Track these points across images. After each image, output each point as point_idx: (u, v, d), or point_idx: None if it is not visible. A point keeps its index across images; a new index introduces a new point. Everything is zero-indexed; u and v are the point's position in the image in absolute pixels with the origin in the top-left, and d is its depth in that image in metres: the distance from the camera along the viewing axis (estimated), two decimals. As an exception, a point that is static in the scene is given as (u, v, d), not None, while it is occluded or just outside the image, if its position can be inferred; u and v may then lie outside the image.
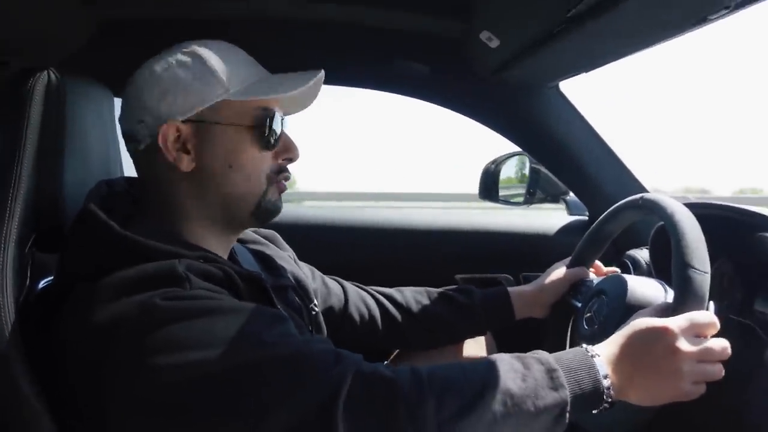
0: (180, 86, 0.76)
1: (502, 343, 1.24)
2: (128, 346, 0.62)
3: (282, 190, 0.85)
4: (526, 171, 1.53)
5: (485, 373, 0.69)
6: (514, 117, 1.36)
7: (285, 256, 1.03)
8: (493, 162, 1.59)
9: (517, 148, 1.47)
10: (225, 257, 0.84)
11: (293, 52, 1.20)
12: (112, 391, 0.62)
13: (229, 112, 0.78)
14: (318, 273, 1.13)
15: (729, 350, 0.73)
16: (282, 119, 0.83)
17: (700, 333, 0.73)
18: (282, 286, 0.91)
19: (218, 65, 0.77)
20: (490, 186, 1.59)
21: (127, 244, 0.69)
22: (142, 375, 0.61)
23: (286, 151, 0.84)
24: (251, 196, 0.81)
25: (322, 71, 0.82)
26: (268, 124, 0.80)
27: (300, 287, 0.98)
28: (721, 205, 1.02)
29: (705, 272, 0.75)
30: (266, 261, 0.96)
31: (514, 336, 1.15)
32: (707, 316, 0.74)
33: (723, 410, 0.83)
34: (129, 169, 0.94)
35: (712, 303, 0.76)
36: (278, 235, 1.09)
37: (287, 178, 0.86)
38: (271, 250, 1.01)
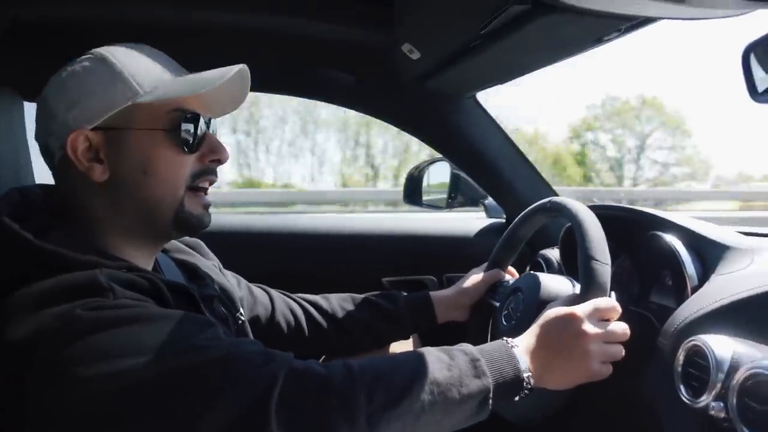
0: (85, 93, 0.73)
1: (427, 344, 1.28)
2: (49, 360, 0.59)
3: (205, 204, 0.82)
4: (447, 176, 1.59)
5: (414, 364, 0.72)
6: (435, 125, 1.42)
7: (210, 265, 1.01)
8: (416, 168, 1.65)
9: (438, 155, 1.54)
10: (149, 269, 0.81)
11: (215, 60, 1.19)
12: (36, 406, 0.59)
13: (140, 116, 0.75)
14: (244, 281, 1.12)
15: (629, 332, 0.81)
16: (204, 120, 0.79)
17: (604, 317, 0.81)
18: (208, 296, 0.89)
19: (126, 68, 0.74)
20: (414, 191, 1.64)
21: (43, 256, 0.66)
22: (66, 388, 0.59)
23: (212, 152, 0.80)
24: (168, 204, 0.77)
25: (244, 65, 0.79)
26: (184, 125, 0.76)
27: (225, 296, 0.97)
28: (619, 206, 1.12)
29: (606, 263, 0.83)
30: (191, 270, 0.94)
31: (439, 339, 1.19)
32: (609, 301, 0.82)
33: (622, 393, 0.91)
34: (43, 176, 0.90)
35: (613, 293, 0.84)
36: (203, 244, 1.06)
37: (212, 182, 0.82)
38: (195, 259, 0.99)
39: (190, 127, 0.77)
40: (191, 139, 0.77)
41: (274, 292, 1.15)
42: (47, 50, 0.98)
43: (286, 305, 1.14)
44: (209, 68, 0.82)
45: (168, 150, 0.76)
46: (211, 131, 0.82)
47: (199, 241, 1.06)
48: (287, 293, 1.17)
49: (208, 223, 0.83)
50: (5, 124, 0.89)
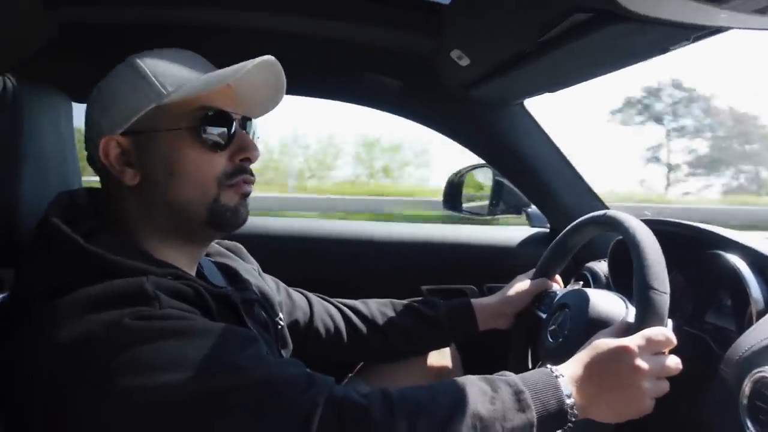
0: (116, 99, 0.75)
1: (467, 353, 1.26)
2: (94, 367, 0.60)
3: (244, 193, 0.80)
4: (490, 183, 1.56)
5: (455, 395, 0.69)
6: (480, 132, 1.39)
7: (250, 269, 1.02)
8: (456, 173, 1.62)
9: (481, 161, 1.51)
10: (192, 273, 0.81)
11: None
12: (76, 412, 0.60)
13: (165, 118, 0.75)
14: (283, 285, 1.12)
15: (681, 367, 0.77)
16: (236, 118, 0.78)
17: (659, 350, 0.77)
18: (248, 300, 0.90)
19: (152, 71, 0.74)
20: (453, 197, 1.61)
21: (93, 260, 0.67)
22: (108, 397, 0.59)
23: (242, 150, 0.78)
24: (199, 203, 0.76)
25: (269, 57, 0.76)
26: (208, 123, 0.75)
27: (265, 301, 0.96)
28: (675, 222, 1.07)
29: (665, 293, 0.79)
30: (231, 274, 0.95)
31: (479, 346, 1.17)
32: (665, 334, 0.77)
33: (678, 422, 0.87)
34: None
35: (670, 321, 0.80)
36: (242, 248, 1.07)
37: (248, 181, 0.80)
38: (235, 262, 0.99)
39: (215, 124, 0.76)
40: (217, 138, 0.76)
41: (313, 297, 1.15)
42: (94, 52, 0.99)
43: (324, 310, 1.13)
44: None
45: (193, 150, 0.75)
46: (248, 131, 0.81)
47: (238, 245, 1.07)
48: (326, 297, 1.17)
49: (245, 216, 0.81)
50: (54, 126, 0.90)
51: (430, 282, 1.49)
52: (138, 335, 0.61)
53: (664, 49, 0.83)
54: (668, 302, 0.79)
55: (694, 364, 0.79)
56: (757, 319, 0.82)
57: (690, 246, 0.99)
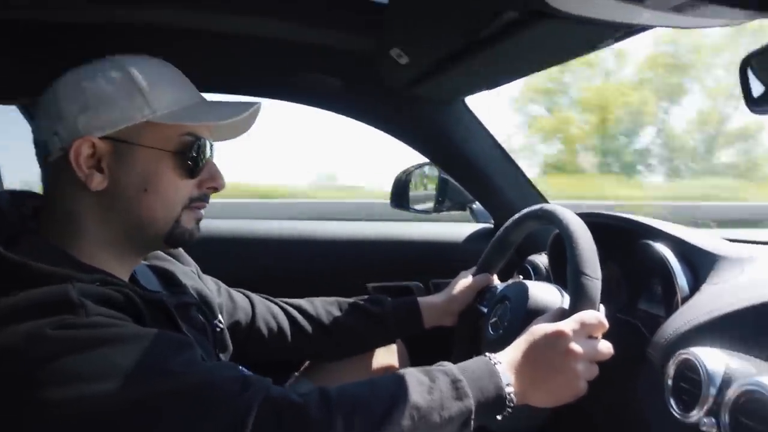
0: (103, 101, 0.72)
1: (414, 350, 1.27)
2: (17, 381, 0.57)
3: (198, 218, 0.82)
4: (435, 181, 1.58)
5: (393, 388, 0.70)
6: (423, 130, 1.40)
7: (187, 272, 1.00)
8: (404, 172, 1.64)
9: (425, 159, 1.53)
10: (126, 278, 0.79)
11: (202, 62, 1.16)
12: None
13: (152, 135, 0.75)
14: (224, 287, 1.10)
15: (612, 351, 0.80)
16: (210, 146, 0.80)
17: (592, 333, 0.80)
18: (184, 303, 0.88)
19: (147, 84, 0.74)
20: (401, 195, 1.63)
21: (12, 267, 0.63)
22: (30, 411, 0.56)
23: (211, 180, 0.81)
24: (163, 222, 0.77)
25: (259, 103, 0.81)
26: (193, 151, 0.77)
27: (203, 303, 0.95)
28: (608, 214, 1.12)
29: (596, 278, 0.82)
30: (167, 278, 0.92)
31: (425, 343, 1.19)
32: (597, 317, 0.80)
33: (611, 404, 0.91)
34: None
35: (602, 306, 0.83)
36: (182, 250, 1.04)
37: (204, 206, 0.83)
38: (173, 265, 0.97)
39: (198, 152, 0.78)
40: (196, 165, 0.78)
41: (255, 297, 1.13)
42: (20, 50, 0.94)
43: (267, 310, 1.12)
44: (196, 70, 0.80)
45: (172, 171, 0.77)
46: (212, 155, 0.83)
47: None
48: (270, 297, 1.16)
49: (197, 236, 0.83)
50: None
51: (377, 279, 1.49)
52: (62, 345, 0.58)
53: (592, 47, 0.87)
54: (599, 287, 0.82)
55: (626, 349, 0.82)
56: (682, 304, 0.86)
57: (623, 237, 1.04)
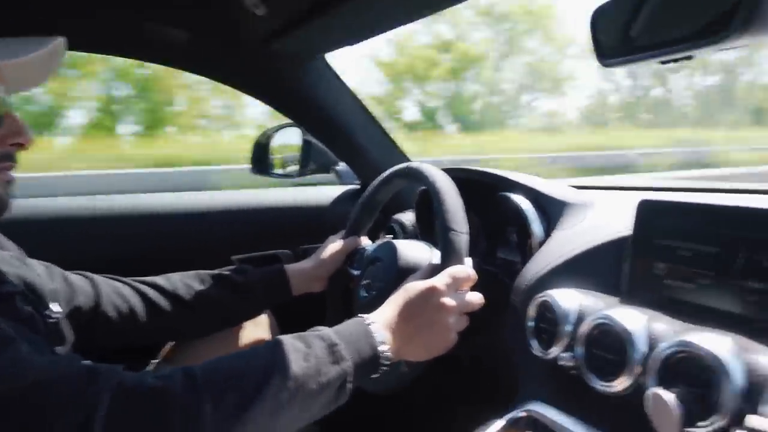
0: None
1: (283, 321, 1.22)
2: None
3: (7, 180, 0.73)
4: (298, 142, 1.53)
5: (266, 359, 0.67)
6: (282, 88, 1.32)
7: (7, 258, 0.84)
8: (263, 134, 1.55)
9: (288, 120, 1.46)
10: None
11: (23, 14, 0.97)
12: None
13: None
14: (58, 270, 0.96)
15: (483, 301, 0.83)
16: (3, 96, 0.68)
17: (462, 286, 0.82)
18: (5, 293, 0.75)
19: None
20: (261, 160, 1.54)
21: None
22: None
23: (14, 134, 0.72)
24: None
25: (60, 39, 0.71)
26: None
27: (30, 292, 0.82)
28: (471, 169, 1.16)
29: (463, 232, 0.84)
30: None
31: (294, 315, 1.15)
32: (467, 271, 0.82)
33: (478, 350, 0.96)
34: None
35: (470, 259, 0.86)
36: None
37: (11, 167, 0.74)
38: None
39: None
40: None
41: (98, 278, 1.00)
42: None
43: (114, 291, 1.00)
44: (16, 24, 0.67)
45: None
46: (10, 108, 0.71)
47: None
48: (117, 277, 1.03)
49: (8, 204, 0.73)
50: None
51: (243, 251, 1.41)
52: None
53: (454, 0, 0.86)
54: (467, 241, 0.84)
55: (490, 297, 0.86)
56: (537, 251, 0.92)
57: (482, 190, 1.08)
